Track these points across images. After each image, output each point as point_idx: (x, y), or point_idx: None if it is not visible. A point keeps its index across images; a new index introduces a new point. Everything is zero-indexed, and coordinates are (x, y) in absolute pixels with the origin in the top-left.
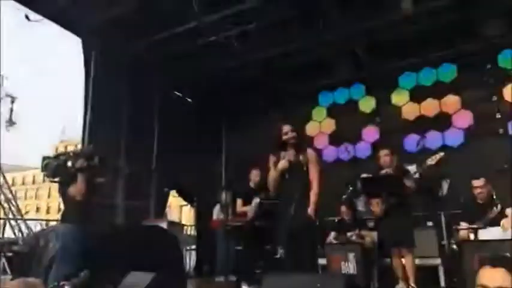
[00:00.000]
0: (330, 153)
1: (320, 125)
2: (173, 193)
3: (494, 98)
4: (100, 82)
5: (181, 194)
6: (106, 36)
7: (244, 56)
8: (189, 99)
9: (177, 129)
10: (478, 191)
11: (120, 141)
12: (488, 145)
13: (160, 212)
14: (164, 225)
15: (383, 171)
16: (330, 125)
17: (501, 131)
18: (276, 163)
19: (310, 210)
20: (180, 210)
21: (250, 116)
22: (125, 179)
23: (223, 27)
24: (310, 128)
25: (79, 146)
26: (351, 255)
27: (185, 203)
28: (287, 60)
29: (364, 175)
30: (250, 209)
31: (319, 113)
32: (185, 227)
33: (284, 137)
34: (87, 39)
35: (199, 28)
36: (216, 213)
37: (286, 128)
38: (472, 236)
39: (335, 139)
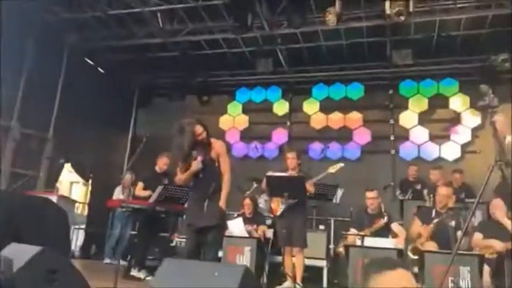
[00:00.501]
0: (240, 148)
1: (234, 120)
2: (66, 167)
3: (392, 122)
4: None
5: (77, 168)
6: None
7: (167, 35)
8: (101, 70)
9: (83, 99)
10: (370, 201)
11: (14, 101)
12: (380, 163)
13: (51, 184)
14: (54, 198)
15: (288, 173)
16: (243, 121)
17: (393, 151)
18: (185, 167)
19: (222, 202)
20: (70, 187)
21: (165, 99)
22: (15, 142)
23: (149, 1)
24: (224, 122)
25: None
26: (247, 249)
27: (76, 180)
28: (211, 48)
29: (269, 173)
30: (153, 194)
31: (234, 108)
32: (76, 205)
33: (197, 138)
34: None
35: None
36: (117, 193)
37: (199, 129)
38: (358, 242)
39: (246, 136)
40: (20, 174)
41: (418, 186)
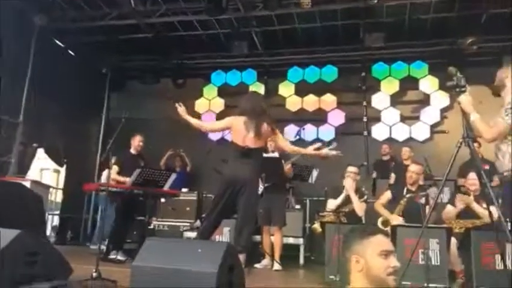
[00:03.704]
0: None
1: (210, 103)
2: (38, 153)
3: (364, 103)
4: None
5: (51, 154)
6: None
7: (140, 16)
8: (72, 52)
9: (54, 82)
10: (352, 176)
11: None
12: (354, 143)
13: (23, 170)
14: (27, 184)
15: (267, 155)
16: (219, 104)
17: (365, 132)
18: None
19: None
20: (40, 174)
21: (138, 82)
22: None
23: None
24: (200, 105)
25: None
26: (226, 229)
27: (46, 166)
28: (186, 30)
29: None
30: (131, 177)
31: (210, 91)
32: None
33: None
34: None
35: None
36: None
37: None
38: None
39: (222, 119)
40: None
41: (392, 165)
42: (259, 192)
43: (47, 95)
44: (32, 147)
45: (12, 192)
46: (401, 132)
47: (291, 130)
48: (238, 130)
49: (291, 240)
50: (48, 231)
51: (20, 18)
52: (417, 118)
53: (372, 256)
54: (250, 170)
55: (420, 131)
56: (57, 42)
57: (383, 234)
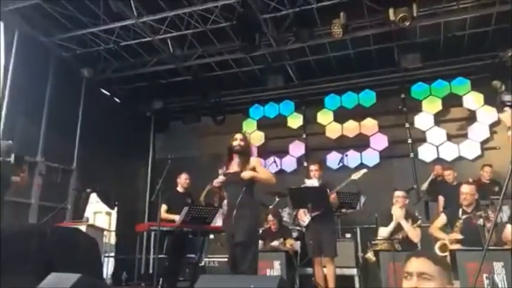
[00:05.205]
0: None
1: (250, 137)
2: (91, 197)
3: (407, 125)
4: (20, 72)
5: (103, 198)
6: (29, 23)
7: (178, 60)
8: (117, 99)
9: (102, 129)
10: (400, 201)
11: (38, 137)
12: (400, 167)
13: (79, 215)
14: (83, 228)
15: (309, 184)
16: (259, 137)
17: (411, 154)
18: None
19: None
20: (93, 217)
21: (181, 122)
22: (41, 177)
23: (159, 29)
24: None
25: None
26: (276, 263)
27: (99, 210)
28: (222, 69)
29: (293, 187)
30: (180, 215)
31: (249, 125)
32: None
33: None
34: (8, 23)
35: (134, 27)
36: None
37: (237, 135)
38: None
39: (263, 151)
40: (48, 207)
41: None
42: (306, 223)
43: (96, 142)
44: (85, 192)
45: (69, 237)
46: (449, 152)
47: (333, 157)
48: None
49: (344, 271)
50: (105, 274)
51: (69, 71)
52: (465, 136)
53: (402, 280)
54: None
55: (470, 149)
56: (103, 91)
57: (416, 257)
